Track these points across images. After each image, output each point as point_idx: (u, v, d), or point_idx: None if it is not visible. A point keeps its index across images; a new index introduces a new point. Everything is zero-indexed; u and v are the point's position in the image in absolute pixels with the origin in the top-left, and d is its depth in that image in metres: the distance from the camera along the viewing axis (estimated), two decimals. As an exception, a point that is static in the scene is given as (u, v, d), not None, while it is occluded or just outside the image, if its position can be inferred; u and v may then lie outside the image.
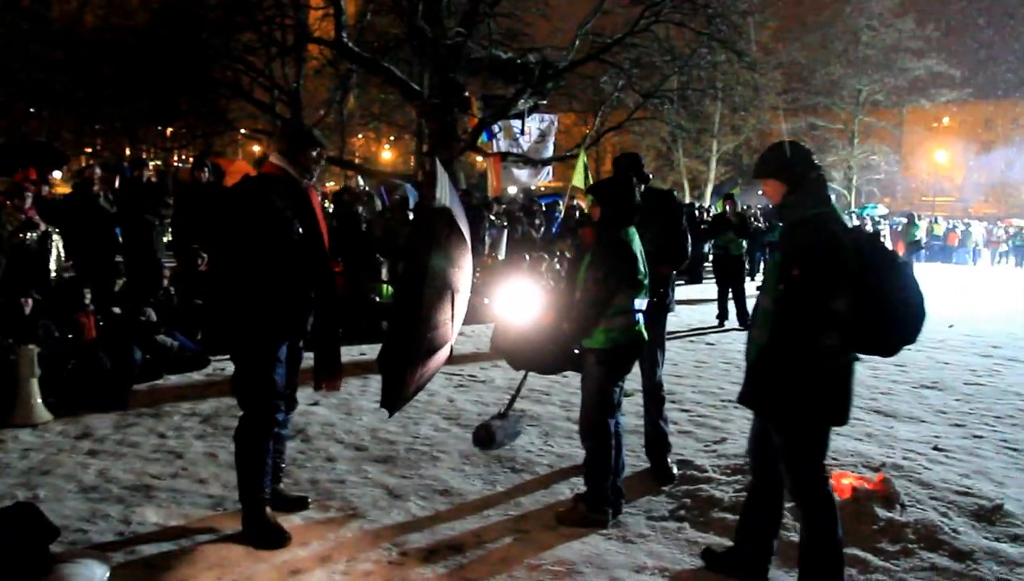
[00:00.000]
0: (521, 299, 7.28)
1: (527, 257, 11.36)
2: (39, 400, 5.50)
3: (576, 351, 4.10)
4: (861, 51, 35.66)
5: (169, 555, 3.50)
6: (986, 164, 39.27)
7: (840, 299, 2.92)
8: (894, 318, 2.91)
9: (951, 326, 11.40)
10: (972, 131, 39.64)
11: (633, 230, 4.04)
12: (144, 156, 19.27)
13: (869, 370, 8.20)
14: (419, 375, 3.82)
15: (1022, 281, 22.12)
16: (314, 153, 3.74)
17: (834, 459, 4.86)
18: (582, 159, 14.14)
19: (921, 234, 25.89)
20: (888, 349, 3.01)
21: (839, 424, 3.13)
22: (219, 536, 3.71)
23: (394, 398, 3.78)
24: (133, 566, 3.42)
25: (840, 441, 5.39)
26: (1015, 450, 5.45)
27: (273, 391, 3.64)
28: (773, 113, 33.70)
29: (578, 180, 13.56)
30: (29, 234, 6.38)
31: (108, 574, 3.28)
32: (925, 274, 21.72)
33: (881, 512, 3.86)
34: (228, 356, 4.14)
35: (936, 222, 29.96)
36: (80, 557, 3.33)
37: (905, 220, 25.14)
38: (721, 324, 10.91)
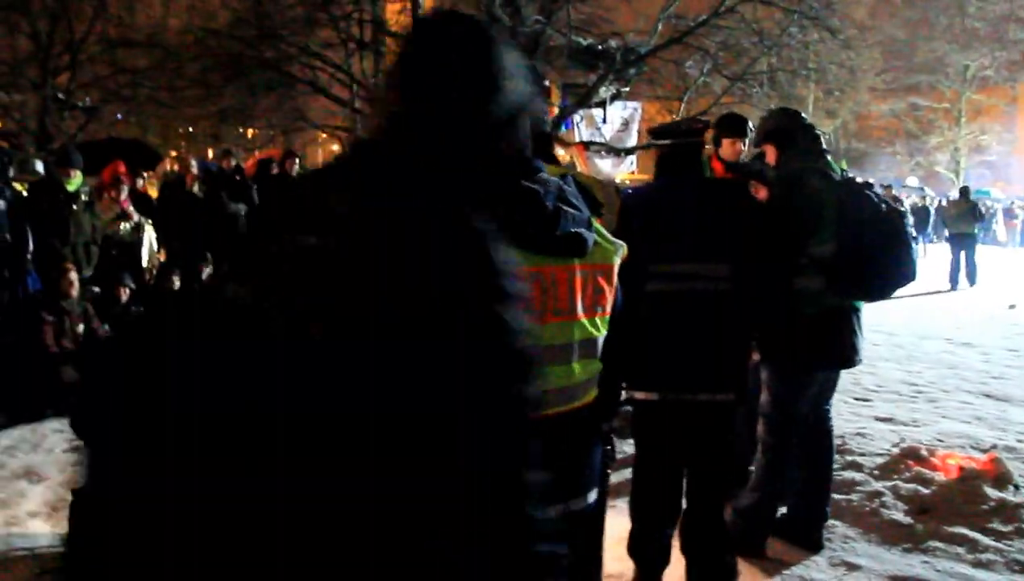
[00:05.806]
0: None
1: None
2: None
3: None
4: (968, 24, 33.30)
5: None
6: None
7: (822, 245, 3.11)
8: (873, 268, 3.05)
9: None
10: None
11: None
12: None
13: (979, 355, 7.71)
14: None
15: None
16: None
17: (939, 440, 4.55)
18: None
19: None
20: (868, 294, 3.21)
21: (834, 367, 3.25)
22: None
23: None
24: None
25: (947, 424, 5.06)
26: None
27: None
28: (871, 94, 31.96)
29: None
30: (123, 225, 6.66)
31: None
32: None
33: (991, 492, 3.56)
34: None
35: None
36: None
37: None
38: None
